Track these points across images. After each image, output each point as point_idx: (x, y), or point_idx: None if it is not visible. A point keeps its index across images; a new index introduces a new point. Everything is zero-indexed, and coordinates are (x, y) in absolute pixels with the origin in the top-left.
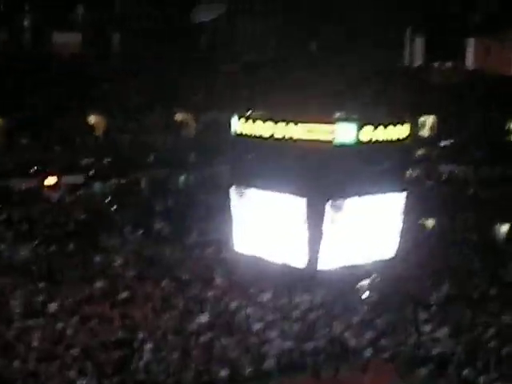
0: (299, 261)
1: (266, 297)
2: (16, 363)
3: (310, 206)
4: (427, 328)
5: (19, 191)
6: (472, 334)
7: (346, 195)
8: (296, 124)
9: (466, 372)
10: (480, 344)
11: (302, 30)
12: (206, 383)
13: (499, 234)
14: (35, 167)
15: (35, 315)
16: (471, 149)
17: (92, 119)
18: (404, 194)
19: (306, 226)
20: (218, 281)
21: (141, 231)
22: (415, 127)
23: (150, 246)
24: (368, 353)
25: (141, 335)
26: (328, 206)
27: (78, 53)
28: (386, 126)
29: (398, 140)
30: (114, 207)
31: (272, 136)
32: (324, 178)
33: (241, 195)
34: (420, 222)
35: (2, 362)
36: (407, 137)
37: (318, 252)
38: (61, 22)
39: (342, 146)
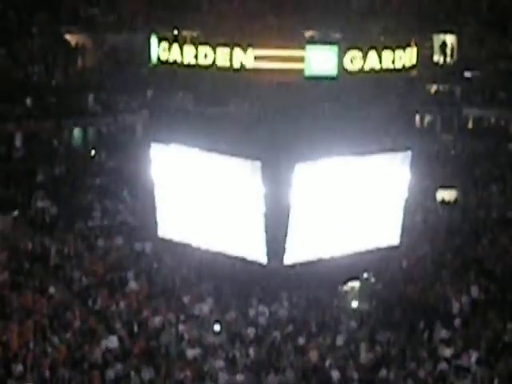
0: (256, 253)
1: (206, 308)
2: None
3: (267, 172)
4: (448, 352)
5: None
6: None
7: (322, 156)
8: (244, 50)
9: None
10: None
11: None
12: None
13: None
14: None
15: None
16: None
17: None
18: (409, 153)
19: (263, 201)
20: (133, 285)
21: (15, 212)
22: (429, 52)
23: (27, 234)
24: None
25: (18, 369)
26: (296, 173)
27: None
28: (381, 51)
29: (401, 70)
30: None
31: (212, 66)
32: (289, 130)
33: (165, 157)
34: (435, 195)
35: None
36: (415, 66)
37: (283, 240)
38: None
39: (317, 80)
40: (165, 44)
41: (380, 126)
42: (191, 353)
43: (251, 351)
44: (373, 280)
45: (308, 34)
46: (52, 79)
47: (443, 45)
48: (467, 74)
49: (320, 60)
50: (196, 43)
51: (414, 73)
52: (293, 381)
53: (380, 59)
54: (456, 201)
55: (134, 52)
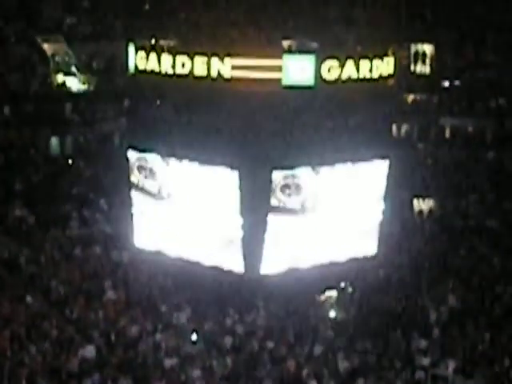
0: (233, 262)
1: (183, 317)
2: None
3: (245, 181)
4: (425, 361)
5: None
6: (492, 369)
7: (299, 164)
8: (222, 59)
9: None
10: (504, 383)
11: None
12: None
13: None
14: None
15: None
16: (490, 93)
17: None
18: (386, 162)
19: (239, 209)
20: (110, 294)
21: None
22: (406, 61)
23: (6, 243)
24: None
25: None
26: (273, 181)
27: None
28: (358, 60)
29: (378, 79)
30: None
31: (189, 75)
32: (266, 138)
33: (142, 166)
34: (412, 204)
35: None
36: (392, 75)
37: (261, 249)
38: None
39: (294, 89)
40: (142, 53)
41: (357, 135)
42: (168, 362)
43: (228, 360)
44: (350, 289)
45: (285, 43)
46: (29, 88)
47: (421, 54)
48: (444, 84)
49: (297, 69)
50: (173, 52)
51: (391, 82)
52: None
53: (357, 69)
54: (433, 210)
55: (111, 61)
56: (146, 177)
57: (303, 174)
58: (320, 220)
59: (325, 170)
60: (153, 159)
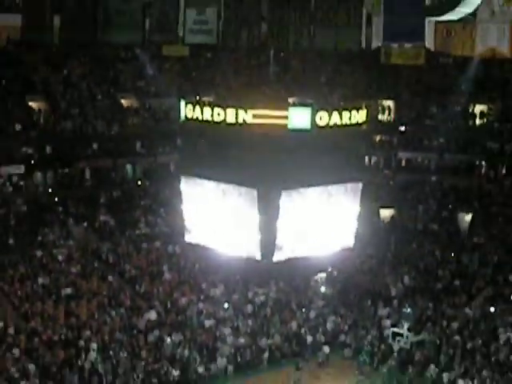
0: (253, 253)
1: (218, 291)
2: None
3: (261, 197)
4: (388, 323)
5: None
6: (435, 329)
7: (300, 185)
8: (246, 110)
9: (429, 369)
10: (443, 339)
11: (251, 13)
12: None
13: (462, 224)
14: None
15: None
16: (434, 135)
17: (33, 106)
18: (360, 184)
19: (258, 217)
20: (167, 275)
21: (85, 224)
22: (374, 112)
23: (95, 240)
24: (326, 349)
25: (86, 334)
26: (281, 197)
27: (17, 36)
28: (341, 112)
29: (356, 125)
30: (56, 199)
31: (222, 122)
32: (277, 167)
33: (190, 186)
34: (379, 212)
35: None
36: (365, 122)
37: (273, 244)
38: None
39: (297, 132)
40: (190, 106)
41: (340, 164)
42: (207, 323)
43: (249, 322)
44: (335, 272)
45: (290, 99)
46: (111, 130)
47: (385, 108)
48: (401, 128)
49: (299, 117)
50: (212, 105)
51: (364, 127)
52: (279, 343)
53: (341, 117)
54: (393, 217)
55: (168, 112)
56: (192, 193)
57: (303, 191)
58: (315, 223)
59: (319, 188)
60: (197, 181)
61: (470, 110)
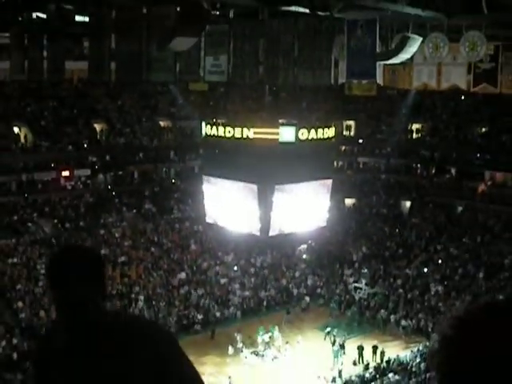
0: (255, 230)
1: (230, 258)
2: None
3: (260, 190)
4: (351, 280)
5: (42, 182)
6: (384, 284)
7: (288, 182)
8: (249, 128)
9: (380, 312)
10: (391, 291)
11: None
12: (186, 325)
13: (404, 208)
14: (54, 164)
15: None
16: (383, 145)
17: (96, 127)
18: (330, 180)
19: (258, 205)
20: (193, 247)
21: (134, 211)
22: (340, 129)
23: (141, 222)
24: (307, 299)
25: (136, 289)
26: (275, 191)
27: (84, 77)
28: (317, 129)
29: (327, 139)
30: (114, 193)
31: (232, 137)
32: (271, 169)
33: (209, 182)
34: (344, 201)
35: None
36: (334, 137)
37: (268, 223)
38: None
39: (285, 144)
40: (209, 126)
41: (316, 167)
42: (222, 280)
43: (253, 279)
44: (313, 244)
45: (281, 120)
46: (152, 144)
47: (348, 126)
48: (360, 141)
49: (286, 133)
50: (224, 125)
51: (333, 140)
52: (273, 294)
53: (316, 133)
54: (354, 204)
55: (193, 130)
56: (211, 187)
57: (291, 186)
58: (299, 208)
59: (302, 184)
60: (214, 179)
61: (409, 128)
